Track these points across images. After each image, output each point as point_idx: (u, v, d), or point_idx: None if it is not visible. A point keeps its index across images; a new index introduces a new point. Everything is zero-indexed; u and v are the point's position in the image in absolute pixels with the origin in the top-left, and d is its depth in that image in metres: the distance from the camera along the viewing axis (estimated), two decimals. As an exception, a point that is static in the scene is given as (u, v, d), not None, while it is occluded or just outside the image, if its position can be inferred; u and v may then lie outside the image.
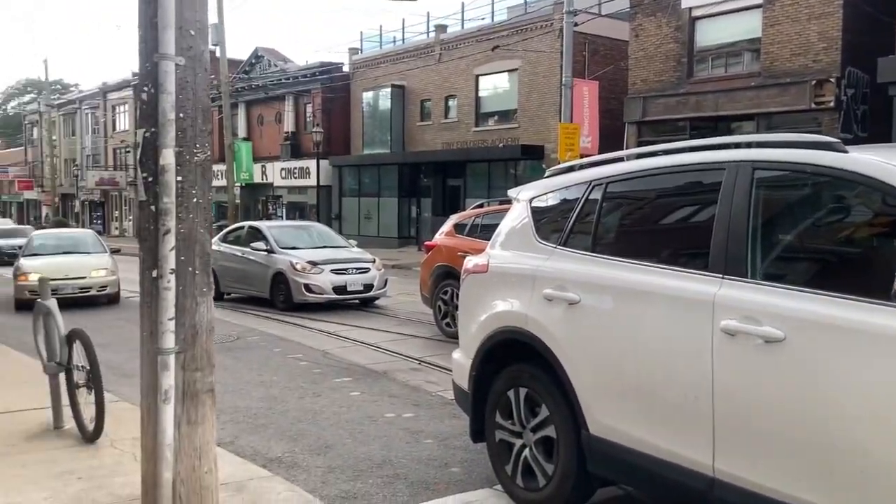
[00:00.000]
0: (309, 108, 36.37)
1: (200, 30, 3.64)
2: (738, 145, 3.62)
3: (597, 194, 4.13)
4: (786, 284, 3.06)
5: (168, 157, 3.48)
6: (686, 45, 21.23)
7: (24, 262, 15.09)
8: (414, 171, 32.19)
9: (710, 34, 21.05)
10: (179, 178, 3.55)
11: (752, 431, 3.04)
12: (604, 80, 24.00)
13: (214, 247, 15.81)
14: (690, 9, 21.06)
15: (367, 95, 33.89)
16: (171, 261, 3.49)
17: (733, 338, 3.08)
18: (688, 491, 3.29)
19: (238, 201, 32.94)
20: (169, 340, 3.50)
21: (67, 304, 12.70)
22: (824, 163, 3.05)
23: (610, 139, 22.59)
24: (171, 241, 3.48)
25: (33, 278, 13.26)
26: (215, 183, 40.17)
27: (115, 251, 18.13)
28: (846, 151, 3.06)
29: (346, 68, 35.80)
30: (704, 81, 20.92)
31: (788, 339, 2.90)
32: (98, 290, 14.87)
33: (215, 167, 39.27)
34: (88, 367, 5.35)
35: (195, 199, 3.63)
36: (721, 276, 3.24)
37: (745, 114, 19.89)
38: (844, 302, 2.80)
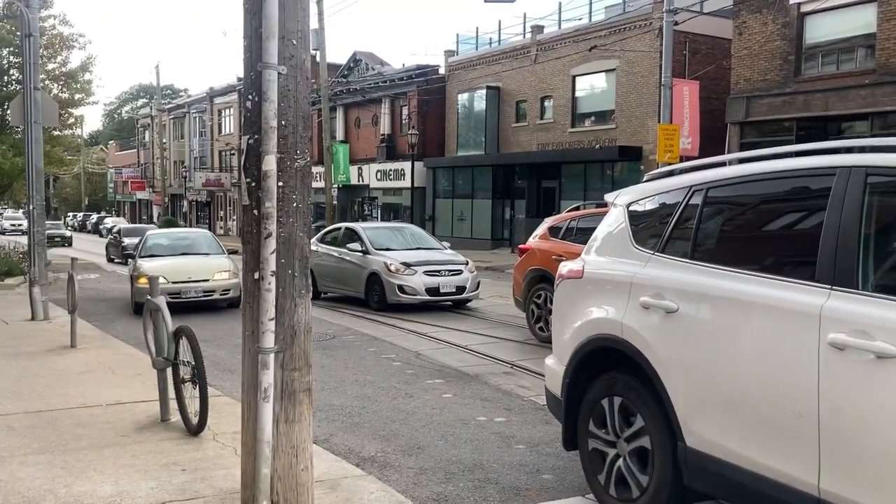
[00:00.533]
0: (405, 111, 36.87)
1: (302, 39, 3.74)
2: (849, 149, 3.45)
3: (697, 199, 4.01)
4: (900, 297, 2.89)
5: (270, 163, 3.59)
6: (793, 42, 20.40)
7: (143, 264, 14.17)
8: (508, 173, 32.15)
9: (819, 30, 20.17)
10: (280, 184, 3.66)
11: (861, 451, 2.89)
12: (705, 79, 23.36)
13: (312, 247, 16.21)
14: (799, 4, 20.23)
15: (462, 97, 34.07)
16: (271, 263, 3.59)
17: (842, 352, 2.94)
18: (790, 510, 3.16)
19: (335, 202, 33.77)
20: (269, 340, 3.61)
21: (187, 308, 13.14)
22: (945, 169, 2.87)
23: (711, 140, 21.96)
24: (272, 244, 3.59)
25: None
26: (313, 184, 41.44)
27: (231, 252, 16.25)
28: (969, 156, 2.88)
29: (441, 70, 36.10)
30: (813, 80, 20.05)
31: (903, 356, 2.74)
32: (221, 294, 14.15)
33: (314, 169, 40.41)
34: (193, 363, 5.58)
35: (295, 204, 3.73)
36: (829, 287, 3.10)
37: (858, 113, 18.96)
38: (967, 317, 2.62)
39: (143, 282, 12.84)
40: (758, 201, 3.85)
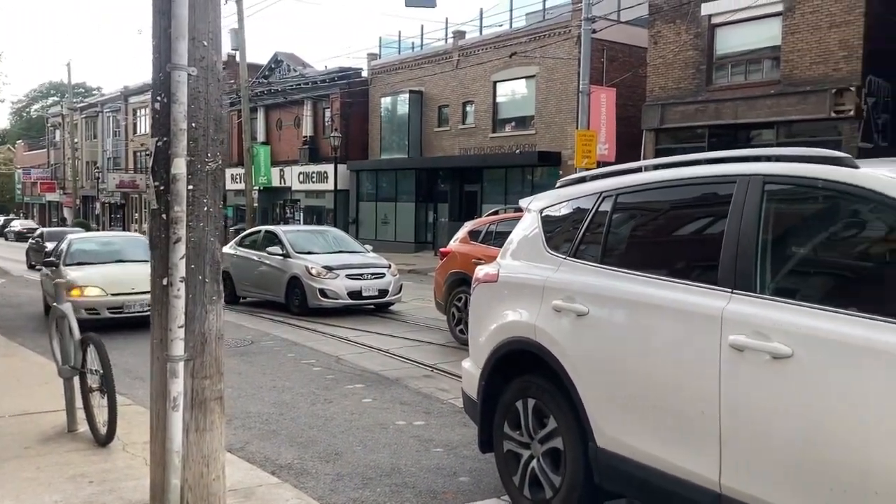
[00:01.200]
0: (327, 113, 36.58)
1: (213, 40, 3.68)
2: (748, 159, 3.60)
3: (607, 206, 4.12)
4: (795, 300, 3.03)
5: (179, 166, 3.51)
6: (705, 53, 21.13)
7: (71, 273, 12.02)
8: (431, 177, 32.26)
9: (729, 41, 20.94)
10: (191, 187, 3.59)
11: (758, 448, 3.02)
12: (622, 87, 23.94)
13: (231, 251, 15.93)
14: (710, 16, 20.97)
15: (386, 101, 34.03)
16: (181, 269, 3.52)
17: (741, 353, 3.06)
18: (694, 506, 3.27)
19: (256, 205, 33.21)
20: (178, 348, 3.53)
21: (130, 324, 11.52)
22: (835, 178, 3.03)
23: (627, 146, 22.54)
24: (181, 249, 3.52)
25: (92, 293, 11.57)
26: (234, 186, 40.59)
27: None
28: (857, 167, 3.04)
29: (364, 74, 35.96)
30: (724, 89, 20.81)
31: (796, 356, 2.88)
32: None
33: (234, 171, 39.80)
34: (102, 371, 5.40)
35: (206, 208, 3.66)
36: (730, 290, 3.23)
37: (765, 122, 19.76)
38: (852, 318, 2.77)
39: (76, 294, 11.20)
40: (663, 207, 3.98)
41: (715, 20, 20.93)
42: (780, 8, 19.36)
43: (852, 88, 18.06)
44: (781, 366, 2.92)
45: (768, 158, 3.50)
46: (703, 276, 3.43)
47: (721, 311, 3.18)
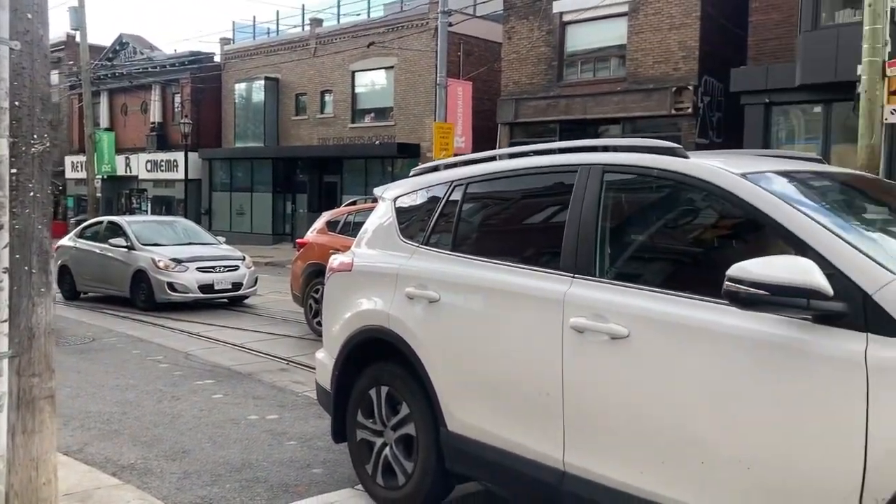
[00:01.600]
0: (177, 99, 35.03)
1: (39, 13, 3.42)
2: (589, 149, 3.75)
3: (457, 195, 4.17)
4: (631, 283, 3.18)
5: (2, 147, 3.24)
6: (557, 49, 21.87)
7: None
8: (289, 166, 31.62)
9: (579, 39, 21.77)
10: (14, 171, 3.32)
11: (599, 425, 3.15)
12: (478, 80, 24.38)
13: (70, 243, 14.98)
14: (561, 13, 21.72)
15: (240, 87, 32.98)
16: (4, 259, 3.25)
17: (582, 335, 3.18)
18: (540, 485, 3.38)
19: (99, 195, 31.38)
20: (2, 344, 3.27)
21: None
22: (667, 167, 3.20)
23: (484, 139, 23.00)
24: (4, 237, 3.24)
25: None
26: (75, 175, 38.17)
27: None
28: (687, 157, 3.23)
29: (217, 58, 34.72)
30: (574, 85, 21.62)
31: (632, 336, 3.02)
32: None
33: (75, 158, 37.48)
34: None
35: (32, 193, 3.40)
36: (572, 275, 3.34)
37: (612, 118, 20.71)
38: (682, 300, 2.93)
39: None
40: (511, 196, 4.09)
41: (566, 17, 21.71)
42: (625, 9, 20.32)
43: (690, 87, 19.26)
44: (619, 346, 3.06)
45: (605, 148, 3.66)
46: (548, 262, 3.54)
47: (563, 295, 3.29)
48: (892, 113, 10.33)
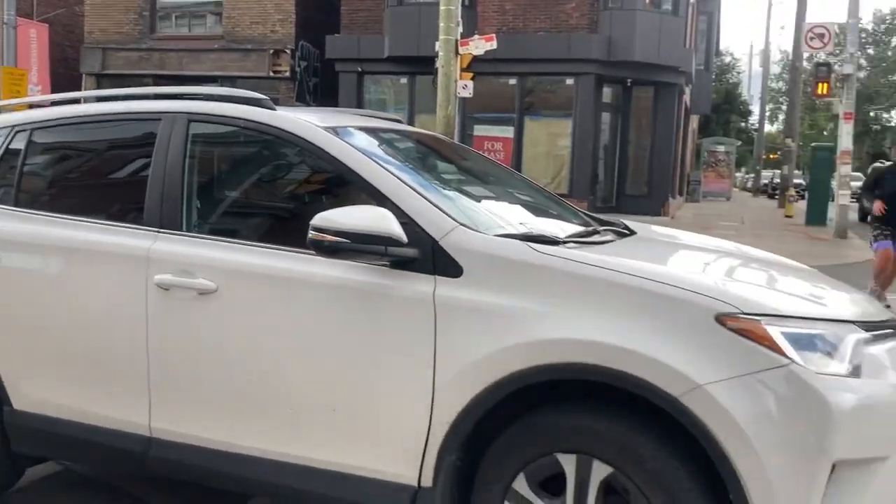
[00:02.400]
0: None
1: None
2: (177, 97, 3.54)
3: (20, 142, 3.64)
4: (221, 237, 3.09)
5: None
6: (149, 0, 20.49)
7: None
8: None
9: (174, -8, 20.67)
10: None
11: (188, 385, 3.03)
12: (57, 24, 21.79)
13: None
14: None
15: None
16: None
17: (168, 292, 3.01)
18: (126, 455, 3.16)
19: None
20: None
21: None
22: (252, 117, 3.15)
23: (67, 90, 20.65)
24: None
25: None
26: None
27: None
28: (274, 109, 3.21)
29: None
30: (168, 39, 20.51)
31: (220, 290, 2.94)
32: None
33: None
34: None
35: None
36: (157, 230, 3.14)
37: (210, 76, 20.05)
38: (271, 252, 2.93)
39: None
40: (87, 145, 3.70)
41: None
42: (221, -36, 19.77)
43: (287, 51, 19.47)
44: (207, 301, 2.96)
45: (194, 97, 3.49)
46: (130, 216, 3.27)
47: (147, 252, 3.08)
48: (463, 88, 11.61)
